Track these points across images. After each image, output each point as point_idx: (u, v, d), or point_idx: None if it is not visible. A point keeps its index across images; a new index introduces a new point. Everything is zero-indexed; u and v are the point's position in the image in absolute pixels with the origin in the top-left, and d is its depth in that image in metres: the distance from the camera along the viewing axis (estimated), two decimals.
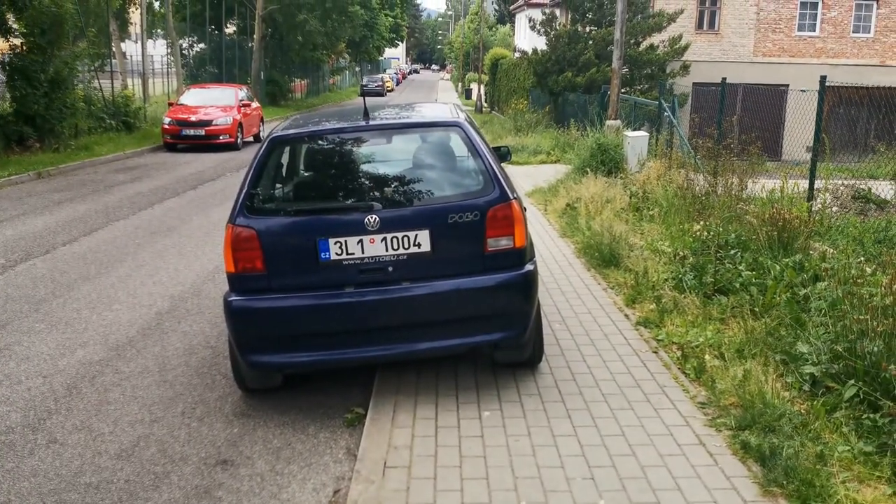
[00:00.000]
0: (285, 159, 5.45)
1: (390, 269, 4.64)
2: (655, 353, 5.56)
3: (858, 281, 4.98)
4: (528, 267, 4.84)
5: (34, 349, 6.00)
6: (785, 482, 3.64)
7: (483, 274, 4.70)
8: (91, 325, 6.57)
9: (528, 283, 4.83)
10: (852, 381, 4.35)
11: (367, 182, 5.10)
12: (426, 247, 4.63)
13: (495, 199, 4.72)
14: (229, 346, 4.96)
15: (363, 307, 4.59)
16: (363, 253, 4.59)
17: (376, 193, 4.88)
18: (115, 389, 5.27)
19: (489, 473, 3.89)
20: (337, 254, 4.58)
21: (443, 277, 4.66)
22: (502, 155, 6.54)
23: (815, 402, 4.41)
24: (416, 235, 4.61)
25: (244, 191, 4.77)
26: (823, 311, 5.24)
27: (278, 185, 5.29)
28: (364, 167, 5.27)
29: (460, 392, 4.92)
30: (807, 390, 4.62)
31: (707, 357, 5.26)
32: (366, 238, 4.58)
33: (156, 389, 5.28)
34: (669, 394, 4.83)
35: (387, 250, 4.60)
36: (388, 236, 4.59)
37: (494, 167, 4.89)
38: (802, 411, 4.39)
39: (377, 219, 4.58)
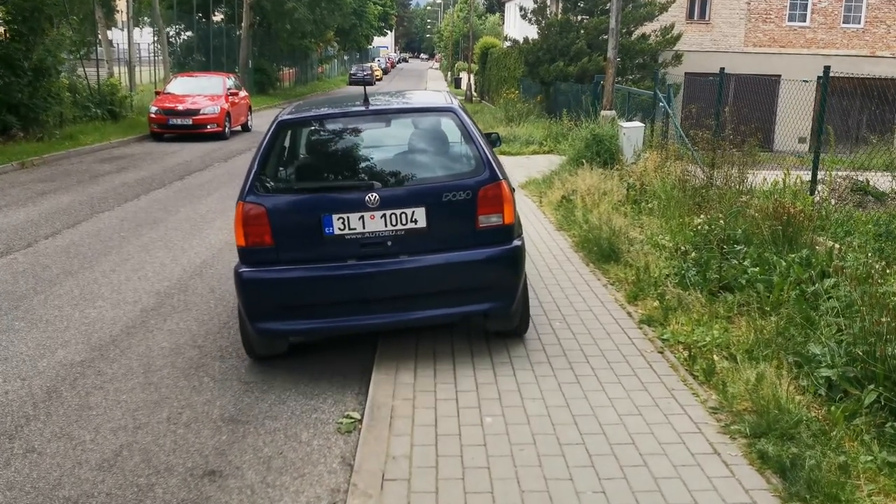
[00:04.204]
0: (291, 141, 5.80)
1: (389, 243, 4.97)
2: (661, 353, 5.36)
3: (878, 281, 4.77)
4: (516, 242, 5.19)
5: (13, 349, 5.74)
6: (808, 496, 3.44)
7: (474, 248, 5.06)
8: (73, 323, 6.31)
9: (516, 257, 5.19)
10: (872, 386, 4.15)
11: (367, 163, 5.52)
12: (422, 223, 4.96)
13: (486, 180, 5.08)
14: (238, 315, 5.26)
15: (364, 278, 4.94)
16: (364, 228, 4.92)
17: (376, 173, 5.25)
18: (97, 393, 5.01)
19: (494, 487, 3.66)
20: (340, 229, 4.90)
21: (437, 251, 5.01)
22: (493, 141, 6.79)
23: (832, 408, 4.21)
24: (413, 212, 4.94)
25: (254, 170, 5.07)
26: (836, 311, 5.03)
27: (285, 166, 5.64)
28: (364, 149, 5.67)
29: (460, 395, 4.69)
30: (822, 394, 4.42)
31: (716, 358, 5.06)
32: (366, 215, 4.90)
33: (140, 393, 5.02)
34: (679, 398, 4.62)
35: (386, 226, 4.93)
36: (388, 213, 4.92)
37: (486, 150, 5.23)
38: (820, 417, 4.19)
39: (377, 197, 4.91)
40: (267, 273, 4.92)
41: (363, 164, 5.49)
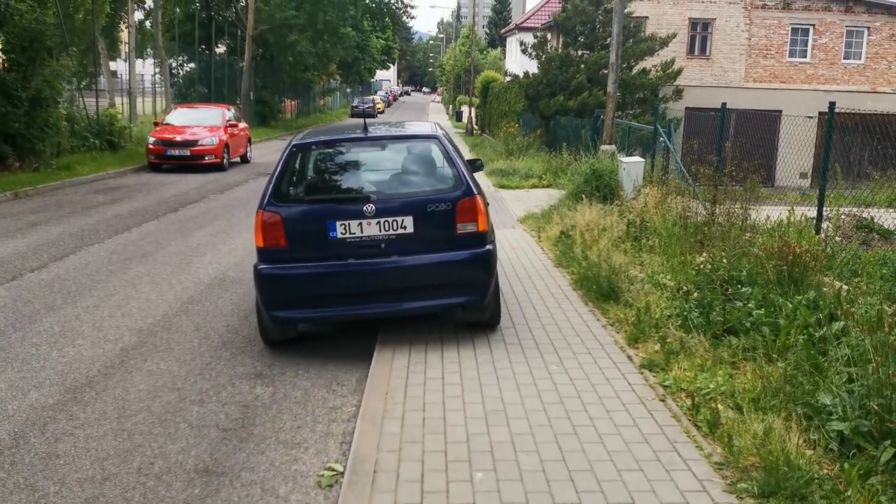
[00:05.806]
0: (302, 162, 6.58)
1: (383, 245, 5.92)
2: (663, 401, 5.08)
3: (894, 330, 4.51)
4: (489, 247, 6.18)
5: None
6: None
7: (454, 251, 6.01)
8: (49, 362, 6.05)
9: (488, 259, 6.16)
10: (889, 443, 3.89)
11: (365, 179, 6.48)
12: (410, 229, 5.91)
13: (463, 194, 6.06)
14: (256, 305, 6.21)
15: (361, 274, 5.90)
16: (362, 233, 5.88)
17: (372, 188, 6.25)
18: (66, 440, 4.73)
19: None
20: (342, 233, 5.86)
21: (423, 253, 5.95)
22: (477, 167, 7.95)
23: (846, 465, 3.94)
24: (403, 220, 5.90)
25: (272, 185, 6.03)
26: (847, 359, 4.77)
27: (297, 181, 6.48)
28: (363, 168, 6.65)
29: (449, 446, 4.42)
30: (834, 449, 4.15)
31: (721, 408, 4.79)
32: (364, 222, 5.87)
33: (112, 440, 4.74)
34: (681, 451, 4.34)
35: (380, 231, 5.89)
36: (382, 220, 5.88)
37: (464, 170, 6.22)
38: (832, 475, 3.92)
39: (373, 207, 5.88)
40: (281, 269, 5.87)
41: (362, 181, 6.45)
